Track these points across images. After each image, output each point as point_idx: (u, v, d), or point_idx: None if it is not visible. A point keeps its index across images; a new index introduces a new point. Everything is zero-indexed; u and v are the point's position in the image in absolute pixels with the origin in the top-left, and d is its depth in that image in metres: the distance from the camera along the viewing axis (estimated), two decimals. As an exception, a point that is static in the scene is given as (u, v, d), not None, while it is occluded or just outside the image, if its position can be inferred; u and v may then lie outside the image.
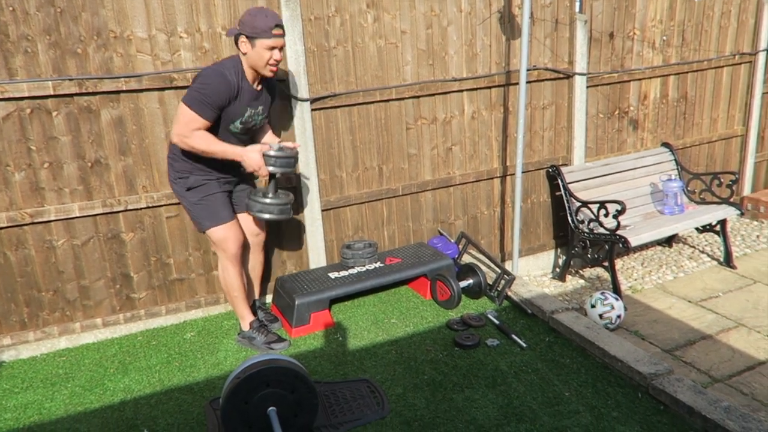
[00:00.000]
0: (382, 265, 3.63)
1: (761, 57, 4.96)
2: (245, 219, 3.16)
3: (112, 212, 3.25)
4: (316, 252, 3.74)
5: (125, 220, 3.30)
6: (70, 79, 3.01)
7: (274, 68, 2.79)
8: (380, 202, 3.92)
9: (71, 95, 3.04)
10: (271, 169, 2.83)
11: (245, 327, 3.20)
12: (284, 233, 3.69)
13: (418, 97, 3.85)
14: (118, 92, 3.13)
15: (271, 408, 2.30)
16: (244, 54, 2.76)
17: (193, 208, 2.94)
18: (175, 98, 3.25)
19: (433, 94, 3.89)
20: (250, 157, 2.80)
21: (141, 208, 3.31)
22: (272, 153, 2.80)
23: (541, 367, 2.80)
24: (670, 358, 3.20)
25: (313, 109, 3.54)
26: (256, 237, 3.25)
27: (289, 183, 3.59)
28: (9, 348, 3.21)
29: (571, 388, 2.62)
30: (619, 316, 3.50)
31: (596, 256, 4.08)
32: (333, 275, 3.52)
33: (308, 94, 3.49)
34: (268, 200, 2.92)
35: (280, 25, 2.73)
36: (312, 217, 3.67)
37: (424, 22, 3.76)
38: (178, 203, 3.37)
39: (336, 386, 2.74)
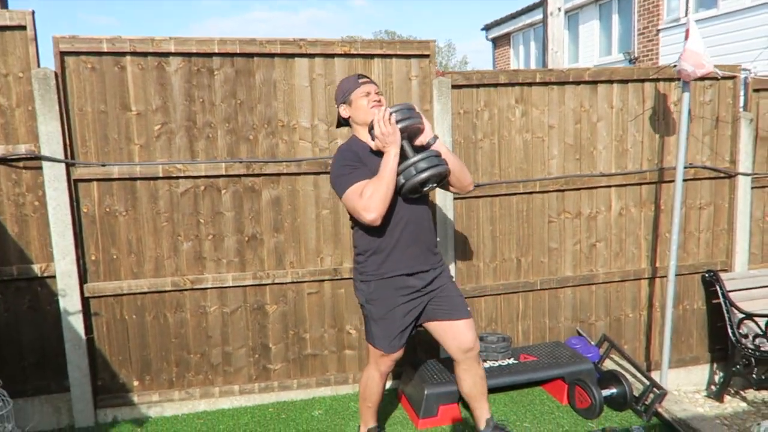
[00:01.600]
0: (516, 361, 3.47)
1: None
2: (452, 331, 2.64)
3: (260, 284, 3.46)
4: (447, 341, 3.67)
5: (270, 293, 3.49)
6: (240, 162, 3.33)
7: (379, 104, 2.56)
8: (516, 295, 3.81)
9: (239, 176, 3.36)
10: (400, 125, 2.43)
11: (362, 430, 2.94)
12: (417, 319, 3.67)
13: (562, 190, 3.78)
14: (279, 174, 3.40)
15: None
16: (350, 119, 2.63)
17: (368, 321, 2.65)
18: (327, 182, 3.46)
19: (579, 189, 3.80)
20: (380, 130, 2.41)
21: (286, 283, 3.49)
22: (391, 109, 2.45)
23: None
24: None
25: (454, 198, 3.60)
26: (467, 353, 2.65)
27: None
28: (156, 404, 3.43)
29: None
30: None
31: (763, 377, 3.60)
32: (464, 367, 3.41)
33: (452, 184, 3.56)
34: (415, 157, 2.44)
35: (362, 75, 2.67)
36: (446, 304, 3.64)
37: (572, 117, 3.74)
38: (321, 280, 3.51)
39: (464, 490, 2.59)
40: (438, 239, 3.30)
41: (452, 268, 3.63)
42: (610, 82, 3.76)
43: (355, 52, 3.40)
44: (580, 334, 3.89)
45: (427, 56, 3.49)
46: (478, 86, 3.59)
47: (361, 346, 3.63)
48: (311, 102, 3.40)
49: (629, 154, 3.86)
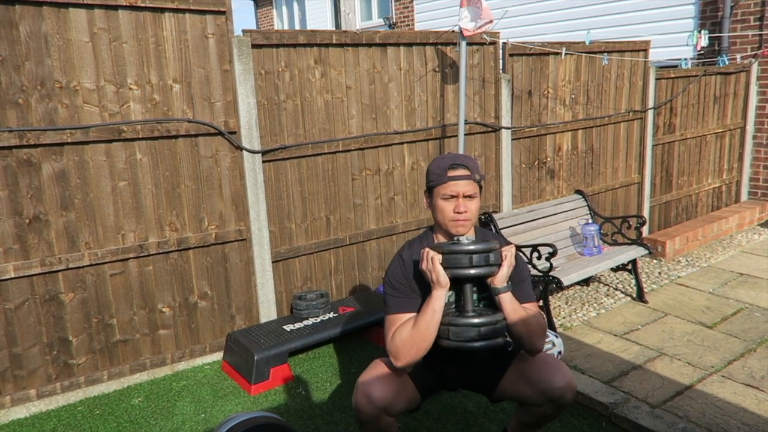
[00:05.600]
0: (336, 314, 3.63)
1: (650, 114, 5.64)
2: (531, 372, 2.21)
3: (51, 272, 3.02)
4: (266, 305, 3.67)
5: (65, 280, 3.07)
6: (9, 131, 2.81)
7: (462, 221, 2.12)
8: (328, 252, 3.95)
9: (10, 147, 2.84)
10: (451, 273, 2.00)
11: None
12: (232, 288, 3.59)
13: (362, 149, 3.97)
14: (62, 144, 2.96)
15: (259, 469, 2.22)
16: (431, 211, 2.23)
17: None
18: (122, 150, 3.13)
19: (377, 147, 4.04)
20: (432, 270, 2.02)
21: (83, 267, 3.10)
22: (448, 247, 2.01)
23: (507, 406, 2.92)
24: (611, 389, 3.45)
25: (264, 161, 3.55)
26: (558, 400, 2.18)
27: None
28: None
29: (540, 423, 2.75)
30: (560, 352, 3.72)
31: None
32: (288, 328, 3.47)
33: (260, 146, 3.50)
34: (460, 319, 2.01)
35: (458, 165, 2.13)
36: (263, 269, 3.62)
37: (367, 78, 3.93)
38: (124, 259, 3.20)
39: (312, 441, 2.69)
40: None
41: (266, 232, 3.60)
42: (398, 45, 4.03)
43: (143, 5, 3.08)
44: (386, 281, 4.21)
45: (223, 13, 3.32)
46: (278, 46, 3.54)
47: (176, 323, 3.42)
48: (94, 60, 3.00)
49: (417, 113, 4.21)
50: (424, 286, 2.08)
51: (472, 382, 2.34)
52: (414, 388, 2.22)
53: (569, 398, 2.13)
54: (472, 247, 1.98)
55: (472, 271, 1.97)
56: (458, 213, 2.10)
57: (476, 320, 1.98)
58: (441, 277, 1.98)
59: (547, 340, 3.73)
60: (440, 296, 2.00)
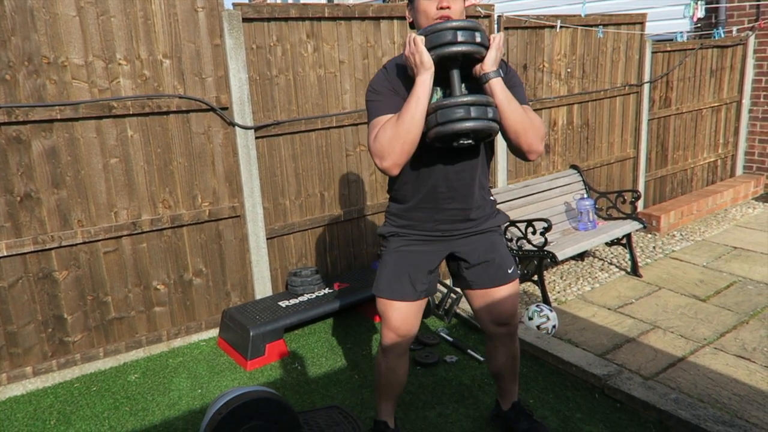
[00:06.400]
0: (331, 290, 3.64)
1: (646, 88, 5.60)
2: (485, 300, 2.25)
3: (44, 250, 3.00)
4: (261, 282, 3.68)
5: (58, 258, 3.06)
6: (-3, 107, 2.78)
7: (447, 13, 1.93)
8: (323, 229, 3.94)
9: (-2, 124, 2.81)
10: (435, 53, 1.83)
11: (378, 417, 2.46)
12: (227, 264, 3.59)
13: (356, 124, 3.94)
14: (51, 121, 2.93)
15: (255, 442, 2.24)
16: (413, 26, 2.07)
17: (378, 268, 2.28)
18: (113, 127, 3.09)
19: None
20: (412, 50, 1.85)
21: (76, 244, 3.09)
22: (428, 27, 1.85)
23: None
24: (604, 361, 3.49)
25: (257, 137, 3.52)
26: (500, 327, 2.29)
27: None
28: None
29: (534, 395, 2.78)
30: (554, 326, 3.75)
31: (525, 271, 4.35)
32: (283, 304, 3.48)
33: (252, 122, 3.47)
34: (449, 99, 1.84)
35: None
36: (257, 245, 3.61)
37: (360, 52, 3.88)
38: (118, 236, 3.19)
39: (308, 415, 2.70)
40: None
41: (260, 208, 3.59)
42: (391, 18, 3.97)
43: (131, -22, 3.02)
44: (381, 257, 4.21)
45: (212, -14, 3.26)
46: (269, 20, 3.48)
47: (171, 301, 3.43)
48: (82, 34, 2.95)
49: (411, 88, 4.17)
50: (409, 87, 1.89)
51: (462, 252, 2.20)
52: (419, 306, 2.23)
53: (515, 324, 2.27)
54: (457, 23, 1.80)
55: (459, 48, 1.80)
56: (442, 9, 1.90)
57: (465, 98, 1.82)
58: (425, 57, 1.82)
59: (541, 314, 3.76)
60: (425, 81, 1.84)
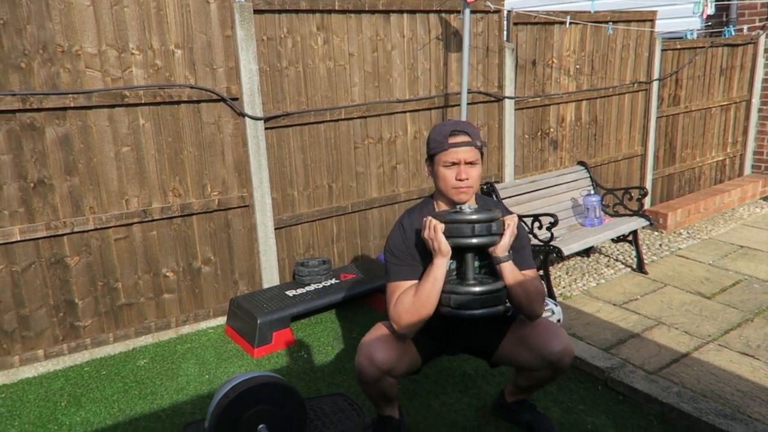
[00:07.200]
0: (338, 281, 3.68)
1: (655, 86, 5.60)
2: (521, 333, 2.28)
3: (56, 235, 3.05)
4: (269, 271, 3.72)
5: (70, 244, 3.11)
6: (12, 94, 2.82)
7: (464, 189, 2.11)
8: (330, 220, 3.98)
9: (13, 111, 2.85)
10: (453, 242, 2.00)
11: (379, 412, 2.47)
12: (235, 253, 3.63)
13: (365, 117, 3.97)
14: (65, 108, 2.97)
15: (261, 426, 2.28)
16: (433, 179, 2.21)
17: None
18: (125, 115, 3.14)
19: (379, 115, 4.03)
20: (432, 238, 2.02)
21: (88, 231, 3.14)
22: (452, 216, 2.01)
23: (505, 369, 2.97)
24: (608, 354, 3.51)
25: (266, 128, 3.55)
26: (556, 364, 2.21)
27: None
28: (-67, 389, 2.90)
29: (537, 386, 2.81)
30: (559, 320, 3.77)
31: (530, 266, 4.37)
32: (291, 293, 3.52)
33: (262, 113, 3.50)
34: (461, 287, 2.02)
35: (459, 131, 2.11)
36: (265, 235, 3.65)
37: (370, 45, 3.90)
38: (129, 224, 3.24)
39: (313, 402, 2.74)
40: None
41: (268, 199, 3.62)
42: (401, 12, 3.99)
43: (144, -32, 3.06)
44: (387, 250, 4.24)
45: (225, -23, 3.30)
46: (280, 12, 3.51)
47: (180, 288, 3.47)
48: (96, 24, 2.99)
49: (420, 81, 4.19)
50: (425, 254, 2.09)
51: (472, 346, 2.37)
52: (416, 352, 2.26)
53: (567, 363, 2.17)
54: (474, 217, 1.97)
55: (474, 241, 1.98)
56: (460, 180, 2.08)
57: (477, 288, 2.00)
58: (443, 246, 1.98)
59: (546, 308, 3.78)
60: (442, 265, 2.01)
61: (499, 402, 2.56)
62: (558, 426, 2.46)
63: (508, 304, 2.11)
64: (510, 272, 2.06)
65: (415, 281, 2.09)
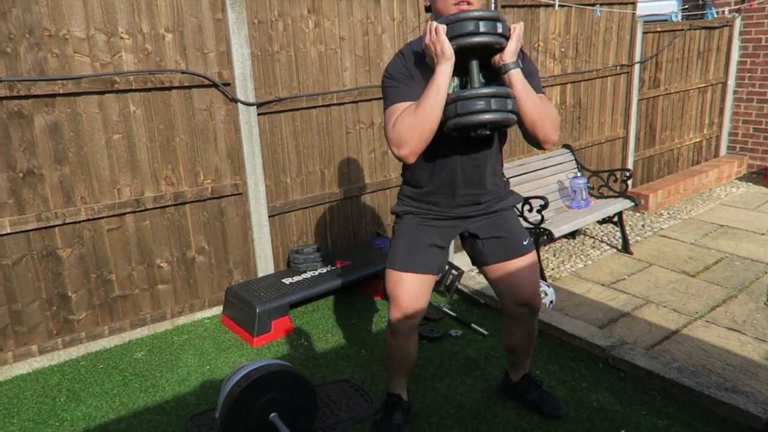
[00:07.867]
0: (333, 267, 3.66)
1: (636, 68, 5.67)
2: (504, 276, 2.25)
3: (47, 227, 2.97)
4: (264, 259, 3.68)
5: (62, 235, 3.02)
6: (-2, 81, 2.71)
7: (466, 8, 1.90)
8: (323, 207, 3.95)
9: (0, 98, 2.74)
10: (456, 43, 1.82)
11: (391, 390, 2.50)
12: (229, 242, 3.58)
13: (356, 102, 3.93)
14: (53, 95, 2.87)
15: (273, 414, 2.27)
16: (429, 9, 2.05)
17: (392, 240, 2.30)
18: (115, 102, 3.05)
19: (370, 99, 4.00)
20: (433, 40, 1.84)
21: (80, 221, 3.05)
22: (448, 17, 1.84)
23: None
24: (607, 333, 3.58)
25: (258, 114, 3.49)
26: (522, 307, 2.29)
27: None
28: (-77, 388, 2.80)
29: (539, 366, 2.86)
30: (551, 302, 3.83)
31: (521, 248, 4.42)
32: (287, 281, 3.49)
33: (254, 98, 3.44)
34: (467, 91, 1.84)
35: None
36: (259, 223, 3.61)
37: (361, 29, 3.86)
38: (121, 214, 3.16)
39: (320, 389, 2.74)
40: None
41: (262, 186, 3.58)
42: (391, -5, 3.96)
43: (132, -51, 2.95)
44: (380, 235, 4.24)
45: (214, -41, 3.21)
46: (270, -5, 3.44)
47: (174, 278, 3.42)
48: (83, 7, 2.88)
49: (410, 66, 4.16)
50: (427, 74, 1.90)
51: (479, 235, 2.23)
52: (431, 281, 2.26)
53: (537, 304, 2.28)
54: (479, 13, 1.79)
55: (480, 39, 1.79)
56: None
57: (486, 90, 1.82)
58: (446, 47, 1.81)
59: (540, 290, 3.83)
60: (445, 71, 1.84)
61: (505, 382, 2.61)
62: (564, 404, 2.51)
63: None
64: (520, 82, 1.88)
65: (415, 103, 1.90)
